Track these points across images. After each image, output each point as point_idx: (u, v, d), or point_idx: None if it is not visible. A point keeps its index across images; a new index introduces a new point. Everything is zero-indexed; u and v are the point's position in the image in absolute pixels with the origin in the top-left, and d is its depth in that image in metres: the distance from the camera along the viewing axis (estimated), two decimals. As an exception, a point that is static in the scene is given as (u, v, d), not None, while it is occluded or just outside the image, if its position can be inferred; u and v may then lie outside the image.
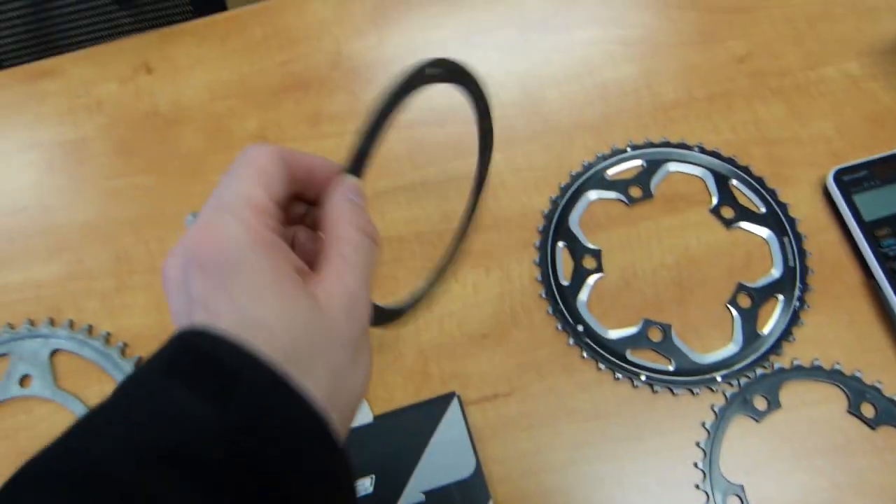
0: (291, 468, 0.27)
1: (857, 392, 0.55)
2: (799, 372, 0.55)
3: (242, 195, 0.32)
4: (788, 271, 0.59)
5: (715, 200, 0.62)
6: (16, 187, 0.68)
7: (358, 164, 0.37)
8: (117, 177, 0.68)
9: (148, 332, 0.61)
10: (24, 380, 0.60)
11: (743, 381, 0.55)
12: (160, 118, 0.70)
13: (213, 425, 0.26)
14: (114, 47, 0.74)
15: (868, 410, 0.54)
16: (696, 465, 0.53)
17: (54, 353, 0.61)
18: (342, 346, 0.31)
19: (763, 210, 0.61)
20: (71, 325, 0.62)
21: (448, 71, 0.41)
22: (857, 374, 0.55)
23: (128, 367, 0.59)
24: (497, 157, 0.65)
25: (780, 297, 0.58)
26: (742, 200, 0.62)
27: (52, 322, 0.62)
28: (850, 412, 0.54)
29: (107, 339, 0.61)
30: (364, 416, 0.56)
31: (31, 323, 0.62)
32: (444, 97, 0.68)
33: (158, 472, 0.25)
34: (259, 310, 0.28)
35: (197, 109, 0.70)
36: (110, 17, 0.96)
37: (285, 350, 0.28)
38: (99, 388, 0.59)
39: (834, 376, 0.55)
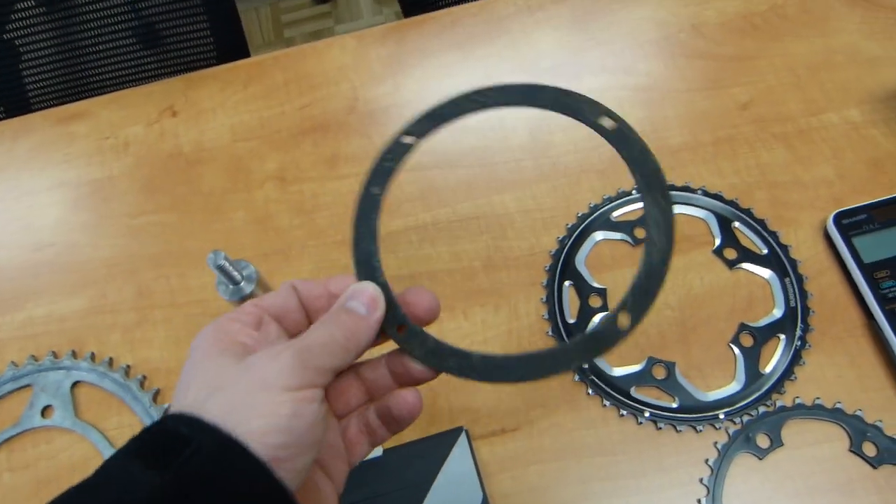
0: None
1: (858, 431, 0.55)
2: (801, 410, 0.56)
3: (233, 314, 0.38)
4: (790, 311, 0.60)
5: (718, 242, 0.63)
6: (44, 224, 0.71)
7: (364, 268, 0.40)
8: (141, 214, 0.71)
9: (166, 365, 0.63)
10: (45, 410, 0.62)
11: (745, 418, 0.56)
12: (183, 159, 0.73)
13: (151, 491, 0.29)
14: (141, 91, 0.78)
15: (870, 449, 0.55)
16: (699, 501, 0.54)
17: (76, 384, 0.63)
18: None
19: (765, 252, 0.63)
20: (92, 357, 0.64)
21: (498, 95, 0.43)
22: (859, 414, 0.56)
23: (146, 399, 0.61)
24: (506, 197, 0.67)
25: (782, 336, 0.59)
26: (744, 242, 0.63)
27: (74, 354, 0.64)
28: (851, 451, 0.55)
29: (127, 371, 0.63)
30: (373, 450, 0.57)
31: (54, 355, 0.64)
32: (453, 142, 0.71)
33: None
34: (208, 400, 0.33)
35: (219, 151, 0.73)
36: (137, 62, 1.00)
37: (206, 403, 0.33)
38: (118, 420, 0.61)
39: (835, 415, 0.56)
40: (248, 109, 0.75)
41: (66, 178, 0.73)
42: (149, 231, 0.70)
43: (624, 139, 0.42)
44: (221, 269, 0.49)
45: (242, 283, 0.51)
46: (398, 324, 0.40)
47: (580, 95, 0.42)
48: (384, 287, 0.40)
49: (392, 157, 0.42)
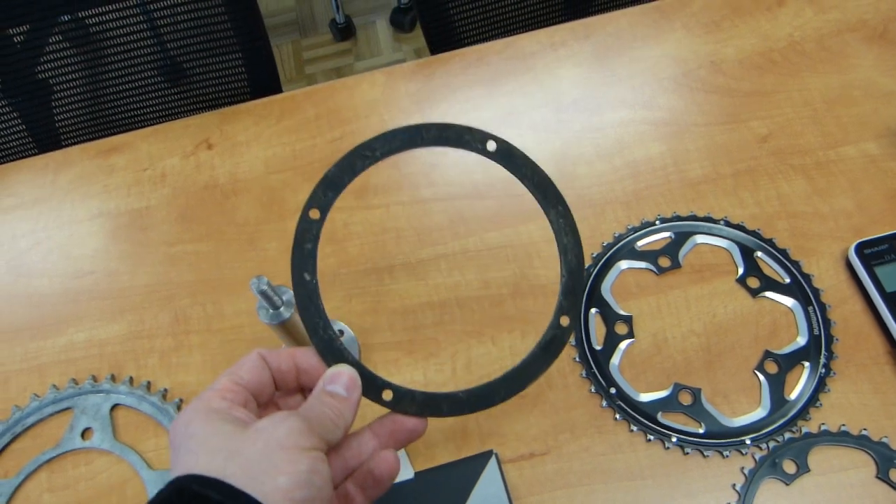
0: None
1: (884, 458, 0.56)
2: (827, 437, 0.57)
3: (212, 388, 0.41)
4: (814, 339, 0.61)
5: (741, 271, 0.65)
6: (84, 253, 0.73)
7: (330, 354, 0.43)
8: (178, 243, 0.73)
9: (202, 389, 0.65)
10: (85, 433, 0.64)
11: (772, 444, 0.57)
12: (219, 190, 0.76)
13: None
14: (177, 125, 0.81)
15: (896, 476, 0.56)
16: (727, 526, 0.55)
17: (115, 407, 0.65)
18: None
19: (787, 280, 0.64)
20: (131, 381, 0.65)
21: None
22: (885, 441, 0.57)
23: (183, 422, 0.62)
24: (531, 227, 0.69)
25: (807, 364, 0.60)
26: (767, 271, 0.65)
27: (113, 378, 0.66)
28: (878, 478, 0.56)
29: (164, 395, 0.65)
30: (405, 473, 0.58)
31: (94, 379, 0.66)
32: (481, 173, 0.73)
33: None
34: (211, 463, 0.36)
35: (253, 182, 0.76)
36: (170, 99, 1.03)
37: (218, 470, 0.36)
38: (155, 442, 0.63)
39: (861, 442, 0.57)
40: (282, 142, 0.78)
41: (106, 209, 0.76)
42: (185, 259, 0.72)
43: (511, 159, 0.46)
44: (263, 294, 0.51)
45: (282, 308, 0.53)
46: (382, 389, 0.44)
47: (461, 126, 0.46)
48: (356, 365, 0.43)
49: (308, 237, 0.45)
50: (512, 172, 0.47)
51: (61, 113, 1.01)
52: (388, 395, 0.44)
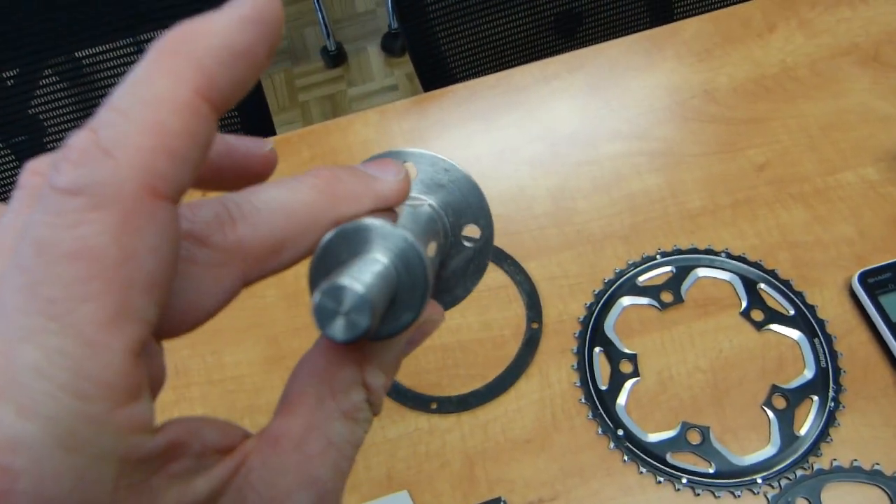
0: None
1: (898, 492, 0.55)
2: (839, 473, 0.56)
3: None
4: (821, 372, 0.60)
5: (744, 304, 0.64)
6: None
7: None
8: (175, 292, 0.72)
9: (204, 443, 0.64)
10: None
11: (784, 482, 0.56)
12: (214, 236, 0.75)
13: None
14: (171, 171, 0.80)
15: (911, 511, 0.55)
16: (742, 569, 0.54)
17: (115, 464, 0.64)
18: None
19: (792, 312, 0.63)
20: (131, 436, 0.64)
21: None
22: (898, 474, 0.56)
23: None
24: (532, 265, 0.69)
25: (815, 397, 0.60)
26: (771, 303, 0.64)
27: (113, 434, 0.65)
28: (893, 513, 0.55)
29: (165, 449, 0.64)
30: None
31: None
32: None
33: None
34: None
35: (249, 227, 0.75)
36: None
37: None
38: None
39: (875, 477, 0.56)
40: (277, 186, 0.77)
41: (101, 259, 0.75)
42: (183, 308, 0.71)
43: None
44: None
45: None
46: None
47: None
48: None
49: None
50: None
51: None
52: None
